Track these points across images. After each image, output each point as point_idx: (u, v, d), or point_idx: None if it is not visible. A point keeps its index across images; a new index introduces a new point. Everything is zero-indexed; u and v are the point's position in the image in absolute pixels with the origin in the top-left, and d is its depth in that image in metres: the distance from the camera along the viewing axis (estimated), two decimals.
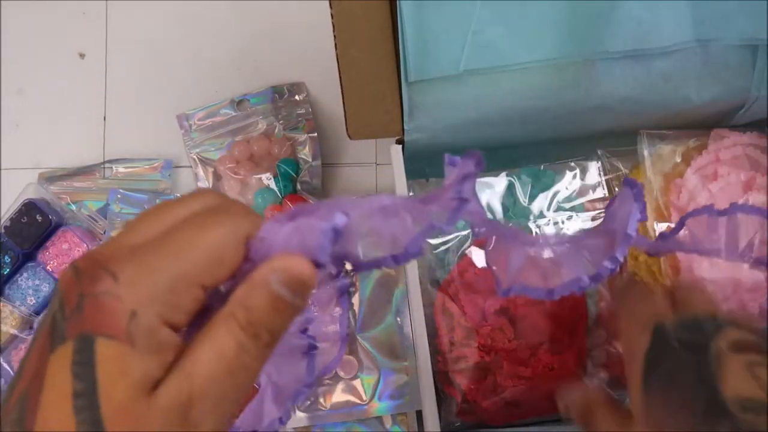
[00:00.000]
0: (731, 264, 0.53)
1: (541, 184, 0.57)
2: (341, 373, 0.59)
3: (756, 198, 0.51)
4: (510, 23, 0.47)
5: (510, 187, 0.56)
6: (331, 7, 0.46)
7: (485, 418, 0.53)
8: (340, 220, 0.26)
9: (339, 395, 0.59)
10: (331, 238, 0.26)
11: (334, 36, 0.46)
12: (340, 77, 0.47)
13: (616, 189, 0.57)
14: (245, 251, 0.27)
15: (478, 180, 0.55)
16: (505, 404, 0.52)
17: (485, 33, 0.46)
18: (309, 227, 0.27)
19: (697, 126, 0.55)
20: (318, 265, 0.27)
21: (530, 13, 0.47)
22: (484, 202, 0.56)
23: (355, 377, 0.60)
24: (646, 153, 0.54)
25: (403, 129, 0.49)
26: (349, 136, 0.49)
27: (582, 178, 0.57)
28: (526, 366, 0.50)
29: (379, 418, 0.60)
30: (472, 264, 0.53)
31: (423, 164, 0.56)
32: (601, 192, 0.57)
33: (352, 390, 0.60)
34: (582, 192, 0.57)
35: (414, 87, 0.48)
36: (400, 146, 0.51)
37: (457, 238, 0.55)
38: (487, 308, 0.50)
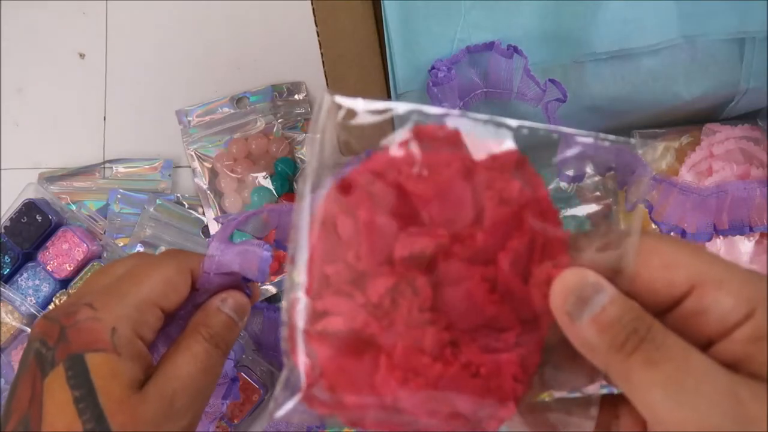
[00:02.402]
0: (731, 260, 0.55)
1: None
2: None
3: None
4: (495, 29, 0.48)
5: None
6: (316, 25, 0.47)
7: (346, 418, 0.30)
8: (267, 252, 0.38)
9: None
10: (269, 264, 0.38)
11: (321, 53, 0.47)
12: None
13: (611, 186, 0.59)
14: (193, 281, 0.37)
15: None
16: (382, 408, 0.29)
17: (471, 40, 0.47)
18: (250, 254, 0.38)
19: (689, 122, 0.56)
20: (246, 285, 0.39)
21: (515, 18, 0.48)
22: None
23: None
24: (639, 152, 0.55)
25: None
26: (341, 152, 0.50)
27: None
28: (434, 358, 0.28)
29: None
30: (397, 163, 0.28)
31: None
32: (598, 191, 0.59)
33: None
34: (579, 191, 0.59)
35: (403, 99, 0.49)
36: None
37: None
38: (399, 248, 0.27)
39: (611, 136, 0.28)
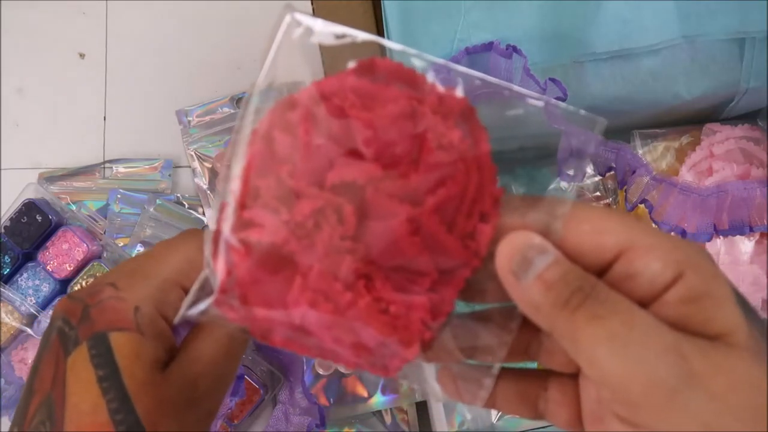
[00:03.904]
0: (731, 260, 0.55)
1: (537, 184, 0.58)
2: (342, 369, 0.61)
3: None
4: (495, 29, 0.48)
5: (506, 188, 0.58)
6: None
7: (256, 330, 0.30)
8: None
9: (341, 390, 0.62)
10: None
11: (321, 53, 0.48)
12: None
13: (611, 186, 0.59)
14: None
15: None
16: (290, 327, 0.29)
17: (471, 41, 0.48)
18: None
19: (689, 122, 0.57)
20: None
21: (515, 18, 0.48)
22: None
23: (355, 371, 0.62)
24: (640, 152, 0.56)
25: None
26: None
27: None
28: (346, 286, 0.27)
29: (379, 416, 0.62)
30: (345, 90, 0.28)
31: None
32: (598, 190, 0.59)
33: (355, 385, 0.62)
34: (579, 191, 0.59)
35: None
36: None
37: None
38: (332, 174, 0.27)
39: (562, 104, 0.28)
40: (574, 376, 0.29)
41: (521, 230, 0.26)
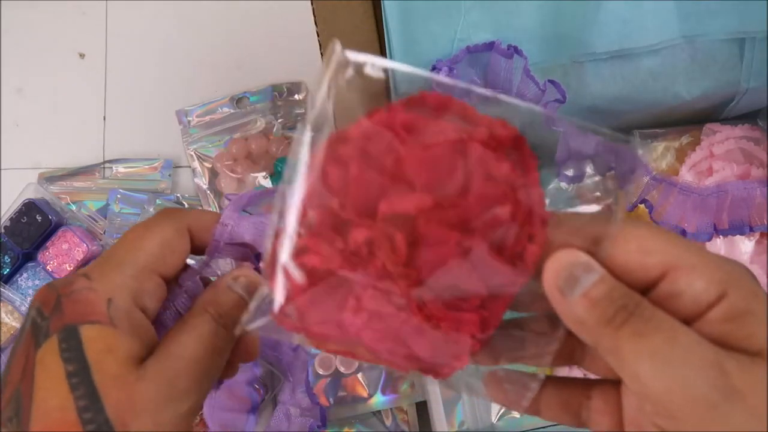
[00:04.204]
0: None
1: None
2: (342, 369, 0.62)
3: None
4: (495, 29, 0.48)
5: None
6: (317, 25, 0.47)
7: (313, 340, 0.33)
8: None
9: (342, 390, 0.62)
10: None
11: (321, 54, 0.48)
12: None
13: (611, 186, 0.59)
14: (192, 241, 0.35)
15: None
16: (346, 339, 0.33)
17: (471, 41, 0.48)
18: (265, 226, 0.37)
19: (689, 122, 0.57)
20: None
21: (515, 18, 0.48)
22: None
23: (356, 372, 0.62)
24: (639, 152, 0.56)
25: None
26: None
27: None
28: (399, 308, 0.29)
29: (379, 416, 0.62)
30: (395, 125, 0.29)
31: None
32: (598, 191, 0.59)
33: (355, 385, 0.62)
34: (578, 191, 0.59)
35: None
36: None
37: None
38: (383, 205, 0.28)
39: (597, 128, 0.29)
40: (616, 384, 0.30)
41: (569, 248, 0.27)
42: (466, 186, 0.28)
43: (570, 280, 0.26)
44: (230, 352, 0.34)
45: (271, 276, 0.29)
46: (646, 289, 0.27)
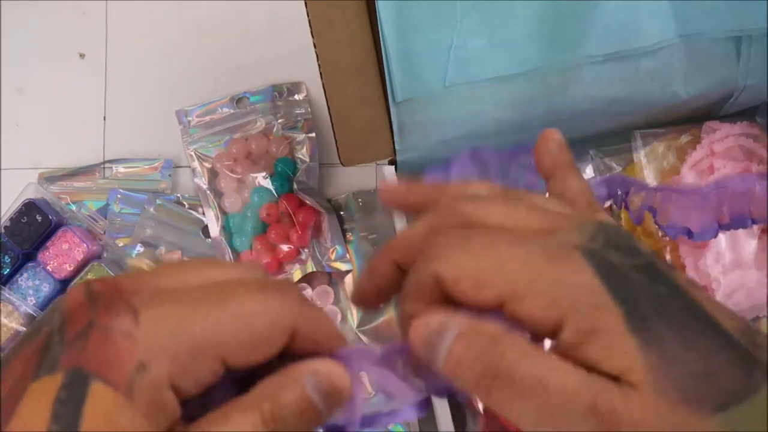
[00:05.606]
0: (736, 261, 0.56)
1: (537, 187, 0.58)
2: None
3: None
4: (491, 35, 0.49)
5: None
6: (313, 36, 0.47)
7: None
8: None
9: None
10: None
11: (319, 65, 0.48)
12: (328, 106, 0.49)
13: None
14: (290, 341, 0.26)
15: None
16: None
17: (467, 47, 0.48)
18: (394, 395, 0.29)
19: (688, 120, 0.57)
20: None
21: (511, 23, 0.49)
22: None
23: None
24: (641, 153, 0.56)
25: (394, 150, 0.51)
26: (342, 164, 0.51)
27: None
28: None
29: None
30: None
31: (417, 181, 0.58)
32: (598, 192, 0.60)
33: None
34: None
35: (402, 107, 0.50)
36: (393, 167, 0.53)
37: None
38: None
39: None
40: None
41: (424, 314, 0.26)
42: None
43: (431, 348, 0.25)
44: None
45: None
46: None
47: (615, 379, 0.23)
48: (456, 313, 0.25)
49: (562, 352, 0.24)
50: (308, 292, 0.65)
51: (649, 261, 0.25)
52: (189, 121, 0.69)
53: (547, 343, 0.26)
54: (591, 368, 0.23)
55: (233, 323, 0.24)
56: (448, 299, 0.26)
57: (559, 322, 0.24)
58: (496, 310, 0.25)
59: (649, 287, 0.24)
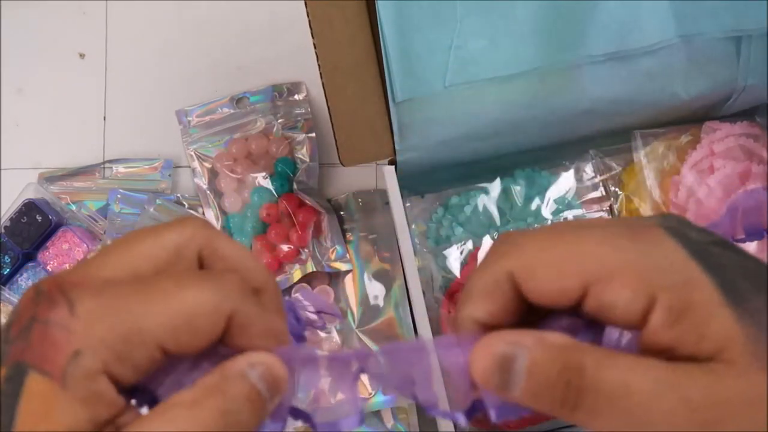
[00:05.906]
0: None
1: (536, 186, 0.59)
2: None
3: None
4: (491, 35, 0.49)
5: (506, 191, 0.59)
6: (313, 36, 0.48)
7: (500, 426, 0.48)
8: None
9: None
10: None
11: (319, 66, 0.48)
12: (328, 106, 0.50)
13: (612, 188, 0.60)
14: (228, 324, 0.26)
15: (474, 186, 0.58)
16: (522, 420, 0.49)
17: (467, 47, 0.49)
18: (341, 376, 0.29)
19: (688, 120, 0.57)
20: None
21: (511, 23, 0.49)
22: (480, 207, 0.58)
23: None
24: (641, 153, 0.56)
25: (394, 150, 0.52)
26: (342, 164, 0.52)
27: (577, 179, 0.59)
28: None
29: (379, 416, 0.62)
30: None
31: (417, 180, 0.58)
32: (598, 192, 0.60)
33: None
34: (579, 193, 0.59)
35: (402, 107, 0.50)
36: (393, 167, 0.54)
37: (463, 244, 0.57)
38: None
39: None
40: None
41: (486, 339, 0.24)
42: None
43: (503, 375, 0.24)
44: None
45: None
46: (578, 304, 0.25)
47: (706, 360, 0.22)
48: (520, 330, 0.24)
49: (649, 338, 0.23)
50: (308, 292, 0.65)
51: (724, 239, 0.24)
52: (189, 121, 0.69)
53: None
54: (678, 355, 0.23)
55: (164, 312, 0.24)
56: (517, 300, 0.25)
57: (650, 302, 0.23)
58: (557, 316, 0.25)
59: (738, 261, 0.23)
